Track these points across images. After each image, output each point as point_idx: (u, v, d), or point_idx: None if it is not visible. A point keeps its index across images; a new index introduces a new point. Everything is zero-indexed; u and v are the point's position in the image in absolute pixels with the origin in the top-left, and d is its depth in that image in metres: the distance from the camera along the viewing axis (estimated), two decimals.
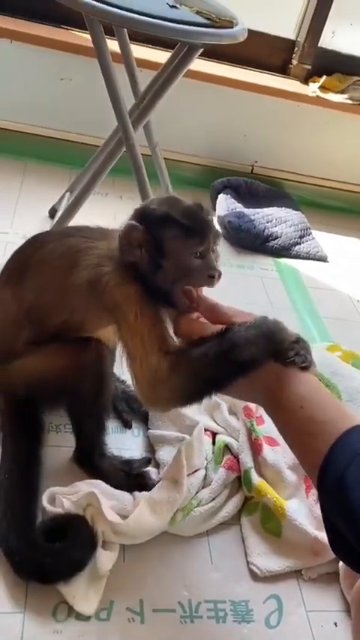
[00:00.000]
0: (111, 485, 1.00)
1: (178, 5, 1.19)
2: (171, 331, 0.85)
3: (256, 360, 0.75)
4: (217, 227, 0.84)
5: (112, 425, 1.15)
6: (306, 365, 0.75)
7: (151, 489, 1.00)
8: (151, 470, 1.07)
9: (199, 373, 0.78)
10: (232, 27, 1.21)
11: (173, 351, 0.81)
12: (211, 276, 0.83)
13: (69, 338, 0.96)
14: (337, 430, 0.68)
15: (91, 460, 1.04)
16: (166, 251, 0.82)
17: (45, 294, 0.94)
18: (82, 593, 0.88)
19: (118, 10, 1.09)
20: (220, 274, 0.83)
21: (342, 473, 0.65)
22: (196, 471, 1.05)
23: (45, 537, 0.91)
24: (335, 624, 0.95)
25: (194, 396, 0.81)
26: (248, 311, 0.82)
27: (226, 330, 0.77)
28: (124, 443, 1.13)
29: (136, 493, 1.00)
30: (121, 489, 1.01)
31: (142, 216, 0.84)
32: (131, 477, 1.04)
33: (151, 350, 0.81)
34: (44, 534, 0.92)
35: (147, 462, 1.09)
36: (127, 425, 1.16)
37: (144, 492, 1.00)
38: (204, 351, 0.77)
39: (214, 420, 1.17)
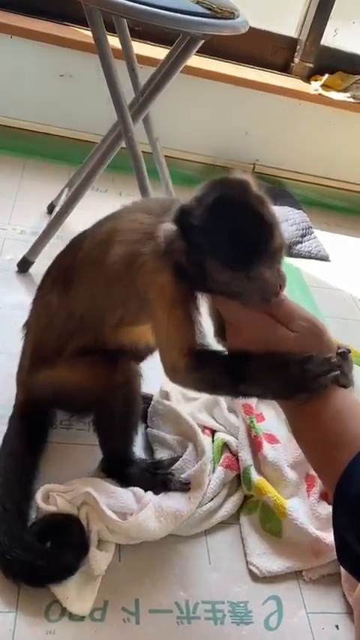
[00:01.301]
0: (143, 489, 0.98)
1: None
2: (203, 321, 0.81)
3: (267, 394, 0.75)
4: (281, 238, 0.70)
5: None
6: (347, 384, 0.71)
7: (170, 490, 0.99)
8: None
9: (210, 385, 0.80)
10: (233, 18, 1.20)
11: (194, 353, 0.78)
12: (264, 299, 0.70)
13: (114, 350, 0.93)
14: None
15: (119, 470, 1.02)
16: (209, 274, 0.71)
17: (94, 298, 0.90)
18: (76, 594, 0.86)
19: (118, 0, 1.08)
20: (274, 292, 0.70)
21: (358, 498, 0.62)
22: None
23: (37, 537, 0.89)
24: (337, 627, 0.92)
25: (209, 393, 0.84)
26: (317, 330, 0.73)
27: (247, 359, 0.72)
28: None
29: (139, 491, 0.98)
30: (152, 491, 0.99)
31: (182, 222, 0.71)
32: (157, 478, 1.01)
33: (174, 347, 0.79)
34: (36, 534, 0.90)
35: (173, 461, 1.05)
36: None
37: (149, 494, 0.97)
38: (218, 369, 0.76)
39: (213, 417, 1.14)
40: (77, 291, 0.92)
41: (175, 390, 1.16)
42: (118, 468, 1.02)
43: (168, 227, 0.72)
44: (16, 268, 1.46)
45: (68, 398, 0.98)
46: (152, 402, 1.14)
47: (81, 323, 0.92)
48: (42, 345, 0.99)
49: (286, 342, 0.71)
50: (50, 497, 0.94)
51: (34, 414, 1.03)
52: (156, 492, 0.98)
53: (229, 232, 0.68)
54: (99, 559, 0.89)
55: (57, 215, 1.42)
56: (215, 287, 0.73)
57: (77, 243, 0.95)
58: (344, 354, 0.72)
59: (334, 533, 0.66)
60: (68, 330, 0.93)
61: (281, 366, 0.70)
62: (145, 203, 0.88)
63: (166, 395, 1.15)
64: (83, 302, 0.91)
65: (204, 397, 1.15)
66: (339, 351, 0.72)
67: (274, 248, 0.68)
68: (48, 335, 0.98)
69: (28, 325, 1.03)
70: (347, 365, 0.71)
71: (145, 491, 0.98)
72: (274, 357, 0.71)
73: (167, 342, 0.80)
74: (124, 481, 1.00)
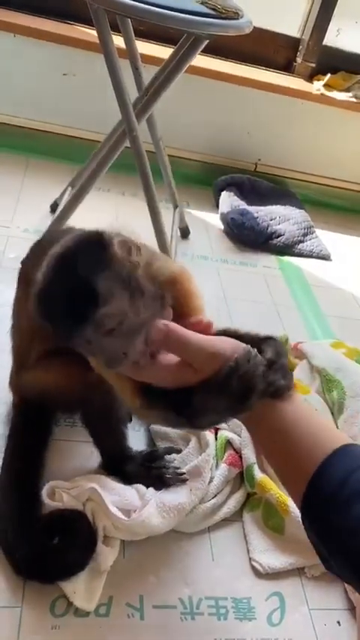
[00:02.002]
0: (145, 486, 0.99)
1: None
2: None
3: (221, 418, 0.72)
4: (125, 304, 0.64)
5: None
6: (279, 394, 0.66)
7: (169, 486, 0.99)
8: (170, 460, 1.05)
9: (166, 423, 0.79)
10: (237, 18, 1.20)
11: (144, 390, 0.71)
12: (107, 364, 0.66)
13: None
14: (311, 465, 0.63)
15: (117, 467, 1.02)
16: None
17: None
18: (83, 589, 0.86)
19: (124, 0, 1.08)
20: (118, 362, 0.65)
21: (325, 506, 0.62)
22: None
23: (44, 533, 0.90)
24: (338, 623, 0.93)
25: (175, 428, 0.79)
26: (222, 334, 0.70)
27: (187, 395, 0.67)
28: None
29: (142, 488, 0.99)
30: (150, 486, 0.98)
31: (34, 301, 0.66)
32: (152, 473, 1.00)
33: (120, 389, 0.74)
34: (43, 530, 0.90)
35: (168, 451, 1.05)
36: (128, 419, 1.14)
37: (151, 490, 0.98)
38: (166, 409, 0.69)
39: None
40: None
41: None
42: (117, 465, 1.02)
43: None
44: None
45: (52, 398, 0.97)
46: None
47: (38, 329, 0.86)
48: (18, 348, 1.00)
49: (194, 380, 0.66)
50: (56, 493, 0.95)
51: (33, 412, 1.03)
52: (156, 488, 0.98)
53: (46, 307, 0.63)
54: (106, 554, 0.89)
55: (60, 214, 1.42)
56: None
57: (35, 247, 0.97)
58: (269, 363, 0.67)
59: (313, 545, 0.66)
60: (30, 334, 0.93)
61: (222, 384, 0.65)
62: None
63: None
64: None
65: None
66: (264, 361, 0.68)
67: (100, 316, 0.61)
68: (19, 336, 0.99)
69: (12, 328, 1.03)
70: (275, 373, 0.66)
71: (147, 487, 0.99)
72: (209, 382, 0.66)
73: (115, 386, 0.76)
74: (125, 479, 1.00)
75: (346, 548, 0.60)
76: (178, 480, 1.00)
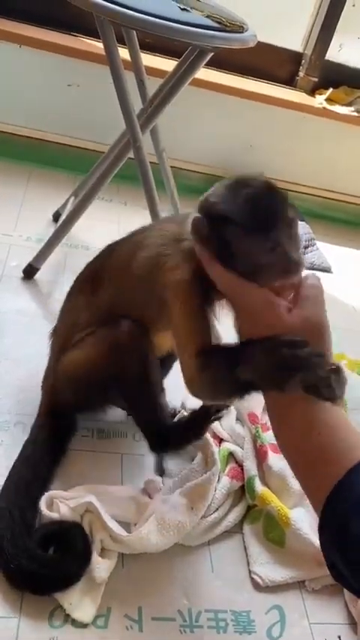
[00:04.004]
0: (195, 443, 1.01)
1: (189, 9, 1.19)
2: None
3: (259, 387, 0.72)
4: (292, 210, 0.73)
5: (111, 429, 1.14)
6: (332, 399, 0.68)
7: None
8: (158, 480, 1.05)
9: (220, 381, 0.77)
10: (242, 32, 1.21)
11: (204, 353, 0.77)
12: (286, 270, 0.71)
13: None
14: (346, 464, 0.63)
15: (165, 443, 1.01)
16: (233, 250, 0.72)
17: (120, 297, 0.93)
18: (79, 601, 0.86)
19: (129, 12, 1.09)
20: (297, 263, 0.71)
21: (346, 518, 0.61)
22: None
23: (40, 544, 0.89)
24: (339, 638, 0.92)
25: (222, 396, 0.82)
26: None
27: (246, 344, 0.72)
28: (124, 447, 1.11)
29: (143, 501, 0.98)
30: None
31: (204, 209, 0.75)
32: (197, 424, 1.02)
33: (185, 348, 0.79)
34: (39, 541, 0.89)
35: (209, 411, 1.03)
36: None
37: (152, 505, 0.97)
38: (220, 362, 0.75)
39: (221, 425, 1.14)
40: (105, 292, 0.95)
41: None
42: (163, 441, 1.01)
43: (194, 216, 0.75)
44: (22, 275, 1.47)
45: (84, 379, 0.97)
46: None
47: (106, 317, 0.94)
48: (62, 332, 1.03)
49: (284, 330, 0.69)
50: (54, 504, 0.94)
51: (55, 424, 1.03)
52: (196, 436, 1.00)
53: (246, 202, 0.70)
54: (101, 567, 0.89)
55: (63, 223, 1.43)
56: (243, 269, 0.72)
57: (107, 251, 0.99)
58: (335, 369, 0.69)
59: (323, 552, 0.65)
60: (91, 324, 0.95)
61: (274, 348, 0.68)
62: (173, 216, 0.92)
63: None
64: (109, 300, 0.94)
65: None
66: (332, 366, 0.69)
67: (291, 217, 0.71)
68: (72, 332, 1.00)
69: (55, 330, 1.06)
70: (336, 380, 0.68)
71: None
72: (270, 340, 0.69)
73: (180, 343, 0.81)
74: (176, 452, 1.02)
75: None
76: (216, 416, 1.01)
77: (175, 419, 1.08)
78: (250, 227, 0.70)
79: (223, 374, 0.75)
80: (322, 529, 0.65)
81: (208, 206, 0.73)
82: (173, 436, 1.01)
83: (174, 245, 0.82)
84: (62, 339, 1.03)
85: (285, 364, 0.67)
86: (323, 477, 0.64)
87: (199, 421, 1.01)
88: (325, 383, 0.67)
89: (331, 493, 0.62)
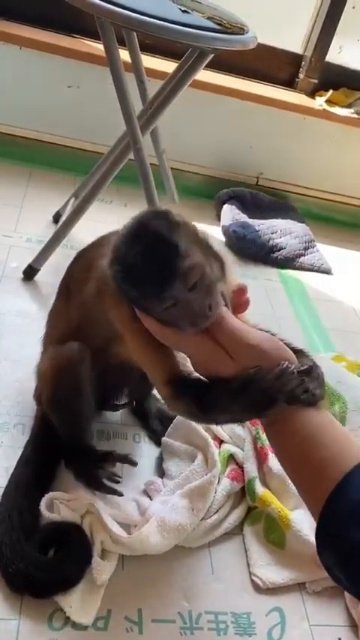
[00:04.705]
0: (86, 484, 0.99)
1: (189, 10, 1.19)
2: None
3: (237, 419, 0.72)
4: (201, 258, 0.68)
5: (112, 430, 1.13)
6: (314, 401, 0.67)
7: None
8: (159, 481, 1.05)
9: (189, 414, 0.76)
10: (242, 33, 1.21)
11: (174, 381, 0.74)
12: (193, 323, 0.67)
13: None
14: (339, 471, 0.62)
15: (73, 461, 1.02)
16: (142, 308, 0.71)
17: (86, 311, 0.91)
18: (79, 603, 0.86)
19: (130, 13, 1.09)
20: (204, 315, 0.67)
21: (341, 529, 0.60)
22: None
23: (39, 546, 0.89)
24: None
25: (194, 421, 0.81)
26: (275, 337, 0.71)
27: (211, 386, 0.70)
28: (124, 449, 1.11)
29: (143, 502, 0.98)
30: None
31: (111, 261, 0.70)
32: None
33: (154, 377, 0.77)
34: (38, 544, 0.89)
35: (122, 458, 1.02)
36: (156, 441, 1.14)
37: (153, 507, 0.97)
38: (191, 398, 0.71)
39: (222, 427, 1.14)
40: (74, 300, 0.94)
41: None
42: (72, 458, 1.01)
43: (105, 265, 0.72)
44: (22, 276, 1.47)
45: (45, 389, 0.99)
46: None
47: (77, 330, 0.94)
48: (44, 349, 1.04)
49: (227, 369, 0.68)
50: (54, 505, 0.94)
51: (52, 425, 1.03)
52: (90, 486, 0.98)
53: (139, 262, 0.66)
54: (102, 569, 0.88)
55: (63, 224, 1.43)
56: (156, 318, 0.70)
57: (76, 258, 0.98)
58: (307, 371, 0.69)
59: (319, 555, 0.65)
60: (67, 335, 0.95)
61: (238, 389, 0.66)
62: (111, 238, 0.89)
63: None
64: (78, 312, 0.94)
65: None
66: (301, 368, 0.68)
67: (185, 269, 0.65)
68: (48, 340, 1.02)
69: (43, 336, 1.06)
70: (311, 380, 0.67)
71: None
72: (233, 381, 0.67)
73: (149, 373, 0.78)
74: (76, 475, 1.00)
75: None
76: (111, 479, 0.99)
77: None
78: (146, 291, 0.67)
79: (193, 410, 0.72)
80: (319, 542, 0.65)
81: (109, 261, 0.70)
82: (76, 460, 1.01)
83: None
84: (42, 344, 1.05)
85: (256, 400, 0.66)
86: (315, 491, 0.64)
87: (89, 465, 1.01)
88: (302, 389, 0.66)
89: (325, 506, 0.62)
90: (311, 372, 0.69)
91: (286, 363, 0.66)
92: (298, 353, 0.72)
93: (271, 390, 0.65)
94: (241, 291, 0.75)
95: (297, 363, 0.69)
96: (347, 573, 0.61)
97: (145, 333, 0.72)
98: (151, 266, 0.66)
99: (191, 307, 0.66)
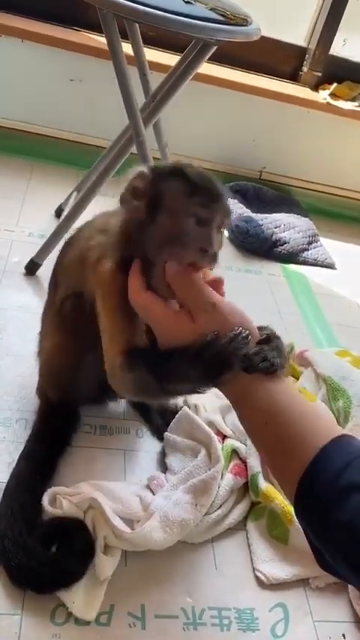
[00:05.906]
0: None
1: (192, 1, 1.18)
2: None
3: (194, 387, 0.71)
4: (229, 208, 0.75)
5: (114, 425, 1.13)
6: (273, 370, 0.68)
7: None
8: (162, 476, 1.04)
9: (142, 388, 0.75)
10: (246, 25, 1.20)
11: (129, 352, 0.75)
12: (203, 250, 0.70)
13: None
14: (306, 452, 0.62)
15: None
16: (164, 204, 0.71)
17: (70, 287, 0.92)
18: (82, 599, 0.85)
19: (134, 4, 1.08)
20: (215, 256, 0.71)
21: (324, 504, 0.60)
22: None
23: (42, 541, 0.89)
24: (344, 636, 0.92)
25: (146, 398, 0.86)
26: (249, 317, 0.72)
27: (169, 356, 0.70)
28: (127, 444, 1.11)
29: (146, 497, 0.97)
30: None
31: (152, 168, 0.74)
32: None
33: (110, 345, 0.77)
34: (41, 538, 0.89)
35: None
36: (158, 436, 1.13)
37: (156, 502, 0.96)
38: (146, 370, 0.72)
39: (224, 421, 1.13)
40: (61, 286, 0.95)
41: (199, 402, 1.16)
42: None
43: (138, 169, 0.74)
44: (24, 270, 1.46)
45: (54, 367, 1.01)
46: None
47: (61, 311, 0.95)
48: (41, 341, 1.06)
49: (187, 334, 0.69)
50: (57, 500, 0.94)
51: (54, 419, 1.03)
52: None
53: (198, 173, 0.72)
54: (104, 564, 0.88)
55: (65, 218, 1.42)
56: (161, 230, 0.71)
57: (64, 245, 0.99)
58: (266, 340, 0.70)
59: (311, 547, 0.66)
60: (56, 325, 0.97)
61: (196, 354, 0.67)
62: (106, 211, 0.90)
63: (194, 407, 1.15)
64: (64, 292, 0.94)
65: (221, 401, 1.14)
66: (260, 338, 0.70)
67: (227, 208, 0.74)
68: (43, 334, 1.04)
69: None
70: (270, 349, 0.69)
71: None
72: (191, 347, 0.68)
73: (104, 337, 0.78)
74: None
75: (345, 536, 0.59)
76: None
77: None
78: (197, 185, 0.71)
79: (148, 381, 0.72)
80: (304, 528, 0.65)
81: (160, 165, 0.75)
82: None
83: (99, 236, 0.81)
84: (39, 336, 1.06)
85: (212, 363, 0.67)
86: (288, 470, 0.64)
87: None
88: (261, 357, 0.67)
89: (298, 487, 0.63)
90: (270, 341, 0.70)
91: (240, 328, 0.68)
92: (261, 328, 0.73)
93: (224, 354, 0.66)
94: (219, 282, 0.76)
95: (255, 332, 0.70)
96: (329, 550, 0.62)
97: (119, 297, 0.75)
98: (212, 183, 0.72)
99: (213, 235, 0.71)
